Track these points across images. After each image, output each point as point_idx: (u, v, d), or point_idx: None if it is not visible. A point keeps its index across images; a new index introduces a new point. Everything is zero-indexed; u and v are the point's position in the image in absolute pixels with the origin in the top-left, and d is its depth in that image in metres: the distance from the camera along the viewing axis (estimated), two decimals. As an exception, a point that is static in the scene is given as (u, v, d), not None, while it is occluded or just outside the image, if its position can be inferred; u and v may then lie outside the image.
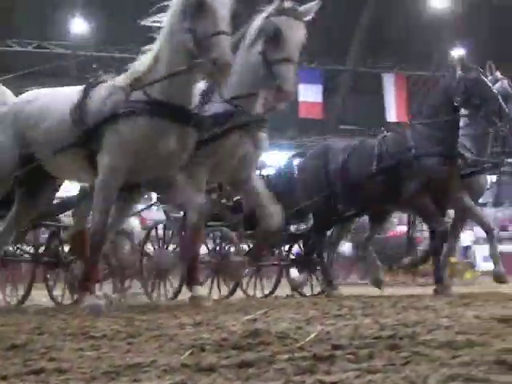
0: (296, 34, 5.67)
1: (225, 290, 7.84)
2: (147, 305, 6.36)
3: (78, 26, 26.91)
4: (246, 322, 3.71)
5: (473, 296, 6.88)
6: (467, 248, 16.64)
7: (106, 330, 3.58)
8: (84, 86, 5.62)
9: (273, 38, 5.62)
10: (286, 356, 2.51)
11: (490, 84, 7.52)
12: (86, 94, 5.52)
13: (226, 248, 7.92)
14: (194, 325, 3.76)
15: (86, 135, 5.39)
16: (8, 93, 6.49)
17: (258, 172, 7.08)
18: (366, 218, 8.79)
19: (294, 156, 9.29)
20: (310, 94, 26.95)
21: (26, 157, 5.83)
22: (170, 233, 7.83)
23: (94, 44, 26.64)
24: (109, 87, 5.44)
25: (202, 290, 5.87)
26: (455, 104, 7.41)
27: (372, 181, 7.55)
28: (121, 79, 5.44)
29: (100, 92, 5.47)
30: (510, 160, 8.43)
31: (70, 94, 5.69)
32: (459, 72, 7.48)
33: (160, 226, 7.89)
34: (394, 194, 7.51)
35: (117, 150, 5.27)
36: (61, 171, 5.94)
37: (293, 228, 8.89)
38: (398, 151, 7.55)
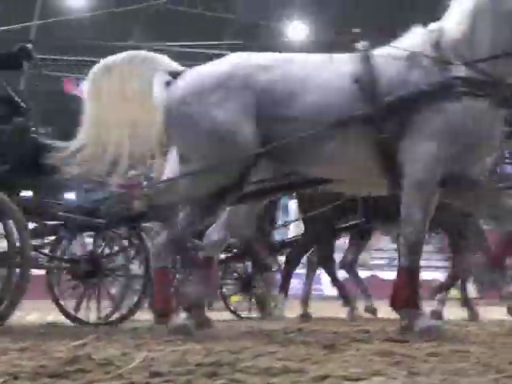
0: None
1: None
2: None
3: None
4: (74, 348, 3.61)
5: (313, 321, 7.09)
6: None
7: None
8: (356, 53, 4.55)
9: None
10: (102, 384, 2.46)
11: None
12: (369, 61, 4.45)
13: None
14: (18, 350, 3.62)
15: (380, 111, 4.34)
16: (167, 59, 4.97)
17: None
18: None
19: None
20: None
21: (261, 136, 4.56)
22: None
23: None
24: (410, 56, 4.39)
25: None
26: None
27: None
28: (417, 46, 4.42)
29: (393, 61, 4.41)
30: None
31: (333, 60, 4.60)
32: None
33: None
34: None
35: (445, 134, 4.28)
36: (328, 163, 4.56)
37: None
38: None
